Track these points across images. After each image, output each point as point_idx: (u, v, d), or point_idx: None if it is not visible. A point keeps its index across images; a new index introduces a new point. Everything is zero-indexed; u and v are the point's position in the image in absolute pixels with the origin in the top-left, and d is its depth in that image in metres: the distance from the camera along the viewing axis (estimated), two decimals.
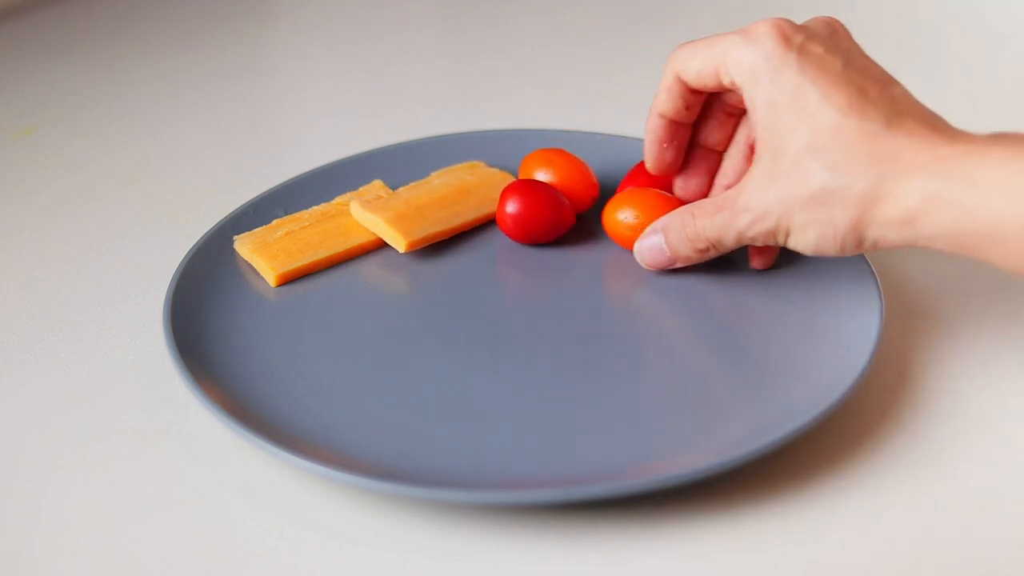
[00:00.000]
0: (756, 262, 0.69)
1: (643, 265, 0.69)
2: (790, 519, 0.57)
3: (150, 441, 0.62)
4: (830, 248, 0.59)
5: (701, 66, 0.62)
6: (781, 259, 0.71)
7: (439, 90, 1.00)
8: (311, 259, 0.72)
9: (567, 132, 0.82)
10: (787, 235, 0.60)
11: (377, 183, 0.78)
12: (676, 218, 0.66)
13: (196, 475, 0.60)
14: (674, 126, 0.67)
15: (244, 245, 0.72)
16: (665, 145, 0.67)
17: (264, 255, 0.71)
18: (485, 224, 0.75)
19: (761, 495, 0.58)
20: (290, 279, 0.71)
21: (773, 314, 0.67)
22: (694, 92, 0.64)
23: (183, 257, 0.70)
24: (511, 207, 0.72)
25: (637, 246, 0.69)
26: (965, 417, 0.62)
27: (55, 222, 0.80)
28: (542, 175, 0.75)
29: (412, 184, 0.77)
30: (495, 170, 0.78)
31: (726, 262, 0.71)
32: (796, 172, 0.58)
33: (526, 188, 0.72)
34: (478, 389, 0.63)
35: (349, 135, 0.91)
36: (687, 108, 0.65)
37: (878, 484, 0.58)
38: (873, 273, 0.67)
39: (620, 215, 0.71)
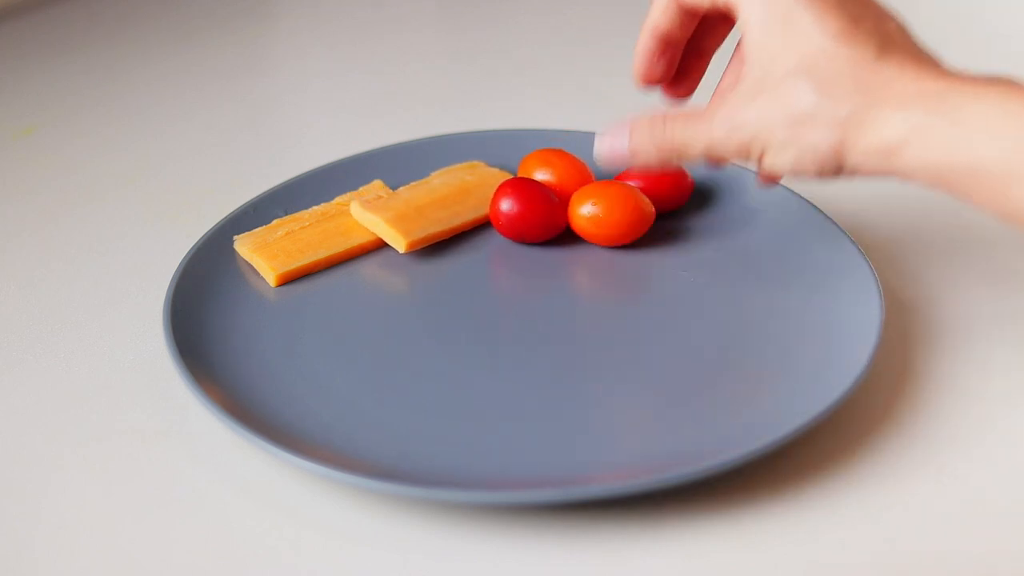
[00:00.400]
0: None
1: (598, 155, 0.65)
2: (790, 519, 0.57)
3: (150, 441, 0.62)
4: (809, 168, 0.58)
5: None
6: (780, 260, 0.71)
7: (439, 90, 1.00)
8: (311, 259, 0.72)
9: (567, 132, 0.82)
10: (763, 152, 0.59)
11: (377, 183, 0.78)
12: (646, 120, 0.63)
13: (196, 475, 0.60)
14: (665, 43, 0.65)
15: (244, 245, 0.72)
16: (656, 59, 0.66)
17: (264, 255, 0.71)
18: (485, 224, 0.75)
19: (761, 495, 0.58)
20: (290, 279, 0.71)
21: (773, 314, 0.67)
22: (689, 12, 0.64)
23: (183, 257, 0.70)
24: (504, 205, 0.72)
25: (598, 138, 0.65)
26: (965, 417, 0.62)
27: (55, 222, 0.80)
28: (541, 175, 0.75)
29: (412, 184, 0.77)
30: (495, 170, 0.78)
31: (726, 261, 0.71)
32: (782, 90, 0.58)
33: (519, 186, 0.73)
34: (478, 389, 0.63)
35: (349, 135, 0.91)
36: (681, 27, 0.64)
37: (878, 484, 0.58)
38: (873, 273, 0.67)
39: (582, 209, 0.72)
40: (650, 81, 0.67)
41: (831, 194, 0.75)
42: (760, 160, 0.60)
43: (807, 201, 0.74)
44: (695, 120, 0.61)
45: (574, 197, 0.73)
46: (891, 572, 0.55)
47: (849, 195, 0.78)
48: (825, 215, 0.72)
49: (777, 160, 0.59)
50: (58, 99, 0.97)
